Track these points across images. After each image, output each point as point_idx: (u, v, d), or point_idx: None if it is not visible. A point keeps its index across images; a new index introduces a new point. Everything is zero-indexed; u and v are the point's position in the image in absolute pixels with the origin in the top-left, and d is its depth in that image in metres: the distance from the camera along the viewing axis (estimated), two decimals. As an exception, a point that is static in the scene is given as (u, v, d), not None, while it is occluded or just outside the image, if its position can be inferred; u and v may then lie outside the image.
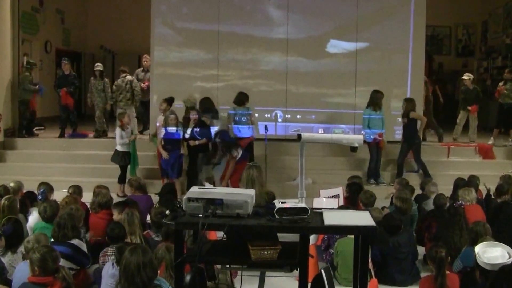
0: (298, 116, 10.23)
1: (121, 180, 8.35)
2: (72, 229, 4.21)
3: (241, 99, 8.55)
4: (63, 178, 8.49)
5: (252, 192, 2.98)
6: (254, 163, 4.38)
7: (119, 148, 8.39)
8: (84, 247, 4.27)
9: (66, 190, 6.07)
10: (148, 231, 4.98)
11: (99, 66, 10.37)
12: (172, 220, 2.74)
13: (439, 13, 13.70)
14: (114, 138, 8.66)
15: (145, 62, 10.63)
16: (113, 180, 8.37)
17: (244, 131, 8.47)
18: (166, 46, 10.11)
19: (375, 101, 8.73)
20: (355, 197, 6.17)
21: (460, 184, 6.55)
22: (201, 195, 2.81)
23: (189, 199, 2.77)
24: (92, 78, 10.44)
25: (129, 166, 8.37)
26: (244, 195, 2.87)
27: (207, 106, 8.48)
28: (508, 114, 9.79)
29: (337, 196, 6.49)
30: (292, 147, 8.96)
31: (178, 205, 2.83)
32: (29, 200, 5.59)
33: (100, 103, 10.20)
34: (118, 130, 8.52)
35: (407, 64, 9.90)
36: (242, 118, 8.55)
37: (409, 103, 8.71)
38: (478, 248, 3.65)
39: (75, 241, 4.20)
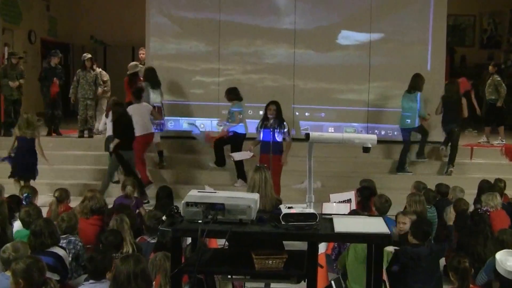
0: (306, 114, 10.27)
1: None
2: (50, 236, 4.13)
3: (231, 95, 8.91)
4: (49, 181, 8.56)
5: (255, 196, 3.00)
6: (261, 165, 4.40)
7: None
8: (66, 256, 4.19)
9: (52, 194, 6.10)
10: (142, 236, 5.02)
11: (88, 55, 10.23)
12: (169, 226, 2.76)
13: (462, 0, 13.68)
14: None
15: (142, 55, 10.55)
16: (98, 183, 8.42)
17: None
18: (163, 37, 10.13)
19: (418, 84, 8.94)
20: (367, 202, 6.19)
21: (485, 187, 6.55)
22: (201, 200, 2.82)
23: (188, 204, 2.79)
24: (79, 70, 10.26)
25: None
26: (247, 199, 2.89)
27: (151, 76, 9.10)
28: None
29: (349, 201, 6.52)
30: (300, 148, 8.86)
31: (176, 210, 2.85)
32: (14, 205, 5.56)
33: (89, 97, 10.04)
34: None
35: (426, 57, 9.88)
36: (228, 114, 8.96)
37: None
38: (499, 255, 3.64)
39: (56, 249, 4.13)
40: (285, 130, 7.86)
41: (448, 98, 9.01)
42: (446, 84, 9.33)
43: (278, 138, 7.83)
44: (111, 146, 8.09)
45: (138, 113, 8.49)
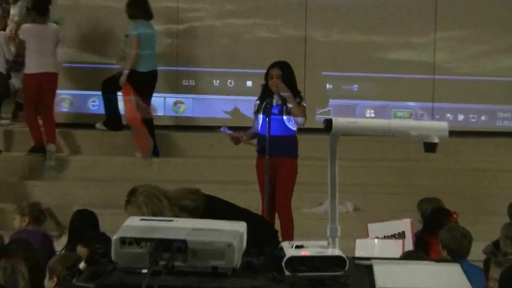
0: (327, 86, 10.51)
1: None
2: None
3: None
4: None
5: (241, 227, 3.04)
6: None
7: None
8: None
9: None
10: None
11: None
12: (90, 280, 2.78)
13: None
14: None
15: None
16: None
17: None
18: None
19: None
20: (432, 237, 6.38)
21: None
22: (146, 233, 2.86)
23: (124, 241, 2.82)
24: None
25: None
26: (225, 233, 2.92)
27: None
28: None
29: (401, 235, 6.65)
30: (316, 144, 8.99)
31: (101, 251, 2.91)
32: None
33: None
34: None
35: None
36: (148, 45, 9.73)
37: None
38: None
39: None
40: (302, 103, 7.97)
41: None
42: None
43: (291, 126, 7.91)
44: None
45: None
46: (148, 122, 9.72)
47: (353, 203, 9.10)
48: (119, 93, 9.98)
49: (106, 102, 10.11)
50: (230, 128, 8.22)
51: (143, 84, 9.67)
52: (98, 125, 10.16)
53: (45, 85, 9.71)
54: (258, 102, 8.04)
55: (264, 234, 4.85)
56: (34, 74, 9.63)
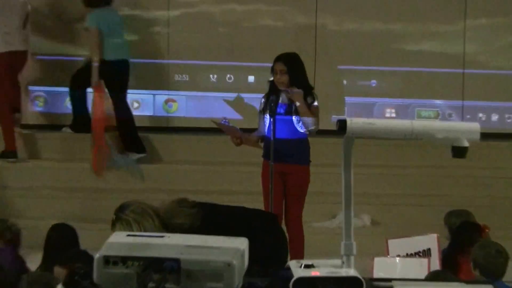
0: (342, 82, 10.49)
1: None
2: None
3: None
4: None
5: (242, 243, 3.02)
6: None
7: None
8: None
9: None
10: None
11: None
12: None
13: None
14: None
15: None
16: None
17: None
18: None
19: None
20: (462, 255, 6.43)
21: None
22: (133, 251, 2.83)
23: (107, 260, 2.78)
24: None
25: None
26: (224, 250, 2.89)
27: None
28: None
29: (426, 252, 6.65)
30: (328, 148, 9.03)
31: (81, 272, 2.92)
32: None
33: None
34: None
35: None
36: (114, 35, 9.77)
37: None
38: None
39: None
40: (313, 105, 7.98)
41: None
42: None
43: (300, 128, 7.94)
44: None
45: None
46: (126, 124, 9.75)
47: (370, 216, 9.10)
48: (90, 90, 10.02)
49: (73, 99, 10.14)
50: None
51: (113, 76, 9.66)
52: (64, 129, 10.17)
53: (16, 65, 9.74)
54: (264, 100, 8.06)
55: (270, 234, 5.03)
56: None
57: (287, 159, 7.77)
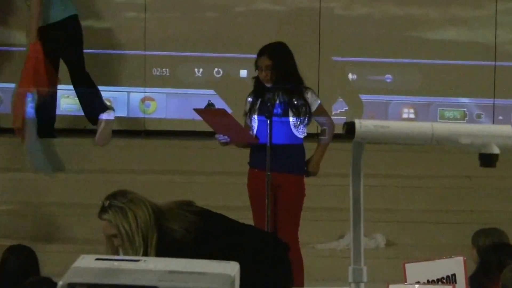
0: (349, 76, 10.61)
1: None
2: None
3: None
4: None
5: (233, 269, 3.03)
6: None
7: None
8: None
9: None
10: None
11: None
12: None
13: None
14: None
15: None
16: None
17: None
18: None
19: None
20: (493, 281, 6.40)
21: None
22: (104, 278, 2.85)
23: None
24: None
25: None
26: (212, 277, 2.92)
27: None
28: None
29: (451, 278, 6.21)
30: (334, 155, 8.78)
31: None
32: None
33: None
34: None
35: None
36: None
37: None
38: None
39: None
40: (317, 103, 8.04)
41: None
42: None
43: (297, 133, 8.02)
44: None
45: None
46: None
47: (385, 236, 9.05)
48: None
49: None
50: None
51: (60, 39, 9.69)
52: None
53: None
54: (250, 99, 8.13)
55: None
56: None
57: (280, 167, 7.79)
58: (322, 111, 8.07)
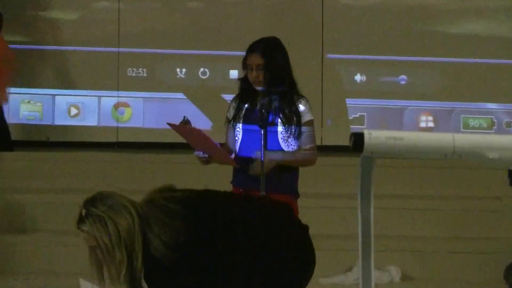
0: (356, 78, 10.32)
1: None
2: None
3: None
4: None
5: None
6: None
7: None
8: None
9: None
10: None
11: None
12: None
13: None
14: None
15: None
16: None
17: None
18: None
19: None
20: None
21: None
22: None
23: None
24: None
25: None
26: None
27: None
28: None
29: None
30: (339, 173, 9.02)
31: None
32: None
33: None
34: None
35: None
36: None
37: None
38: None
39: None
40: (307, 118, 7.40)
41: None
42: None
43: (286, 147, 7.42)
44: None
45: None
46: None
47: (400, 268, 8.55)
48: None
49: None
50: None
51: None
52: None
53: None
54: (234, 104, 7.51)
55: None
56: None
57: (270, 187, 7.06)
58: (309, 133, 7.37)
